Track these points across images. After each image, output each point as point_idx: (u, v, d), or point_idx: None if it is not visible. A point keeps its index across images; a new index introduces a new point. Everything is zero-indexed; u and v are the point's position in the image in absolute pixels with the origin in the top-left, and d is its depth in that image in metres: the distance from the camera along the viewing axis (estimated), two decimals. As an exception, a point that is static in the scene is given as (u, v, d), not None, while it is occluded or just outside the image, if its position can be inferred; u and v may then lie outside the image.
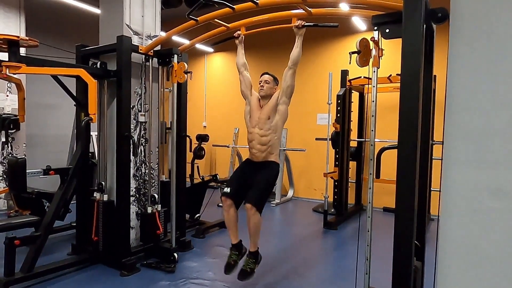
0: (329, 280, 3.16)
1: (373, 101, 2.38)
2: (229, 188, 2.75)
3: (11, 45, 2.57)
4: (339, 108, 4.89)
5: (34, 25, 5.59)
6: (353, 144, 5.60)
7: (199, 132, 5.27)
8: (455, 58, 1.86)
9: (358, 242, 2.55)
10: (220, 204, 5.87)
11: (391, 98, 5.63)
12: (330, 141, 4.93)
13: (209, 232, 4.46)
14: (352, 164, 5.73)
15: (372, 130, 2.38)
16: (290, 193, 6.66)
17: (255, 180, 2.71)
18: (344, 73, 5.01)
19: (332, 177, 4.87)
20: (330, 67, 5.85)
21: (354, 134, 5.59)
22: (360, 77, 4.91)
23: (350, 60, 2.36)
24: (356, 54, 2.36)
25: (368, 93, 5.73)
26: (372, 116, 2.38)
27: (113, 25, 3.49)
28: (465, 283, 1.84)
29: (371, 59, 2.35)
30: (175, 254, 3.38)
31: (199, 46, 5.89)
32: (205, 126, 7.91)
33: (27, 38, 2.54)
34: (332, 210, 5.20)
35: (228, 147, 7.02)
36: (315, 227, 4.85)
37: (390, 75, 4.62)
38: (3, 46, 2.68)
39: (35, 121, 6.06)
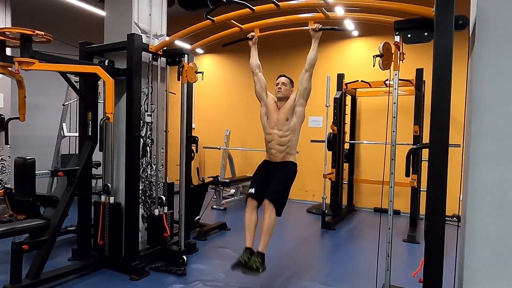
0: (341, 279, 3.22)
1: (394, 102, 2.46)
2: (253, 189, 2.75)
3: (24, 39, 2.45)
4: (335, 110, 5.00)
5: (20, 21, 5.33)
6: (345, 146, 5.73)
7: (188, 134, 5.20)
8: (480, 62, 1.98)
9: (378, 241, 2.62)
10: (215, 207, 5.85)
11: (383, 102, 5.83)
12: (325, 143, 5.02)
13: (210, 234, 4.41)
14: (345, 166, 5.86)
15: (394, 131, 2.46)
16: (282, 195, 6.70)
17: (275, 179, 2.74)
18: (341, 77, 5.13)
19: (330, 178, 4.95)
20: (322, 71, 5.97)
21: (346, 137, 5.73)
22: (357, 80, 5.05)
23: (374, 63, 2.43)
24: (379, 58, 2.44)
25: (360, 96, 5.91)
26: (394, 117, 2.46)
27: (120, 23, 3.39)
28: (492, 276, 1.94)
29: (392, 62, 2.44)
30: (184, 257, 3.32)
31: (187, 46, 5.77)
32: (193, 128, 7.81)
33: (42, 33, 2.42)
34: (326, 211, 5.28)
35: (219, 148, 6.98)
36: (314, 228, 4.92)
37: (387, 79, 4.78)
38: (12, 40, 2.55)
39: (18, 122, 5.77)
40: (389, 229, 2.49)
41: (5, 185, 5.15)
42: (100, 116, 3.32)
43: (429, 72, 4.92)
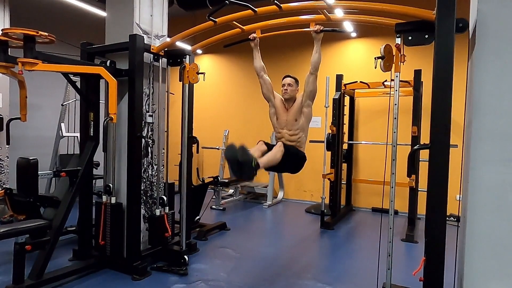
0: (342, 278, 3.25)
1: (395, 104, 2.50)
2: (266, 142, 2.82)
3: (28, 40, 2.45)
4: (334, 111, 5.04)
5: (19, 21, 5.32)
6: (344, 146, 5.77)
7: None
8: (481, 64, 2.02)
9: (380, 240, 2.65)
10: (214, 207, 5.87)
11: (380, 103, 5.88)
12: (325, 144, 5.06)
13: (210, 234, 4.43)
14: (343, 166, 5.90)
15: (395, 132, 2.50)
16: (280, 195, 6.74)
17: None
18: (339, 78, 5.16)
19: (329, 179, 4.99)
20: (321, 72, 5.99)
21: (344, 137, 5.76)
22: (356, 81, 5.09)
23: (376, 65, 2.46)
24: (380, 60, 2.47)
25: (358, 97, 5.96)
26: (395, 118, 2.49)
27: (121, 24, 3.40)
28: (492, 273, 1.98)
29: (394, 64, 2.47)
30: (186, 257, 3.34)
31: (186, 47, 5.83)
32: (192, 128, 7.82)
33: (46, 33, 2.43)
34: (325, 210, 5.31)
35: (218, 149, 6.99)
36: (313, 228, 4.94)
37: (385, 80, 4.83)
38: (15, 40, 2.56)
39: (15, 121, 5.75)
40: (390, 228, 2.53)
41: (3, 186, 5.13)
42: (101, 116, 3.34)
43: (426, 73, 4.97)
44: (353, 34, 5.98)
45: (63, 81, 5.88)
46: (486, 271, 1.95)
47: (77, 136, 5.96)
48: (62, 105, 5.58)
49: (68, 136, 5.87)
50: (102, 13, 5.80)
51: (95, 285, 2.96)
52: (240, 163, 2.26)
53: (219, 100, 7.72)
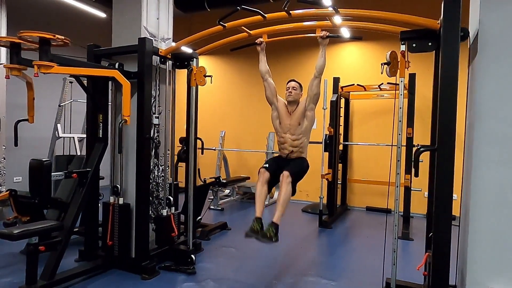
0: (344, 275, 3.36)
1: (400, 107, 2.62)
2: (267, 164, 2.89)
3: (43, 43, 2.48)
4: (332, 113, 5.17)
5: (17, 22, 5.28)
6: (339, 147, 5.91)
7: (182, 135, 5.22)
8: (482, 71, 2.17)
9: (385, 237, 2.77)
10: (212, 207, 5.92)
11: (375, 104, 6.05)
12: (322, 145, 5.19)
13: (212, 234, 4.49)
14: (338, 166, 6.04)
15: (400, 134, 2.62)
16: (276, 195, 6.83)
17: (290, 164, 2.88)
18: (336, 80, 5.30)
19: (327, 179, 5.11)
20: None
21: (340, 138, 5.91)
22: (353, 84, 5.24)
23: (382, 71, 2.58)
24: (386, 65, 2.59)
25: (353, 99, 6.11)
26: (400, 121, 2.62)
27: (128, 26, 3.44)
28: (493, 267, 2.12)
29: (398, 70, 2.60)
30: (193, 256, 3.40)
31: (184, 48, 5.84)
32: (187, 129, 7.84)
33: (62, 37, 2.46)
34: (323, 210, 5.43)
35: (214, 149, 7.04)
36: (311, 227, 5.06)
37: (382, 83, 4.98)
38: (29, 43, 2.58)
39: (12, 122, 5.67)
40: (395, 226, 2.66)
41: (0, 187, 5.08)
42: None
43: (419, 76, 5.11)
44: (347, 37, 6.11)
45: (59, 82, 5.85)
46: (488, 268, 2.09)
47: (73, 137, 5.93)
48: (59, 106, 5.54)
49: (64, 137, 5.83)
50: (101, 14, 5.82)
51: (107, 285, 2.99)
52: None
53: (215, 101, 7.76)
